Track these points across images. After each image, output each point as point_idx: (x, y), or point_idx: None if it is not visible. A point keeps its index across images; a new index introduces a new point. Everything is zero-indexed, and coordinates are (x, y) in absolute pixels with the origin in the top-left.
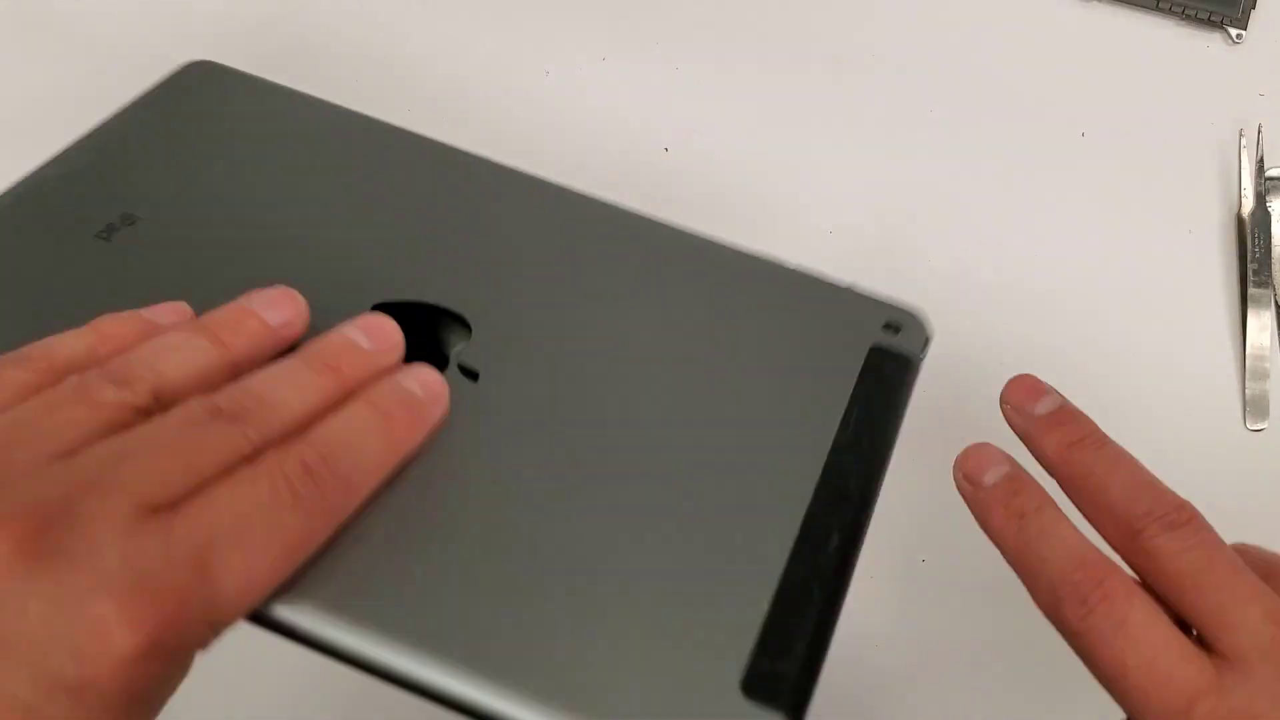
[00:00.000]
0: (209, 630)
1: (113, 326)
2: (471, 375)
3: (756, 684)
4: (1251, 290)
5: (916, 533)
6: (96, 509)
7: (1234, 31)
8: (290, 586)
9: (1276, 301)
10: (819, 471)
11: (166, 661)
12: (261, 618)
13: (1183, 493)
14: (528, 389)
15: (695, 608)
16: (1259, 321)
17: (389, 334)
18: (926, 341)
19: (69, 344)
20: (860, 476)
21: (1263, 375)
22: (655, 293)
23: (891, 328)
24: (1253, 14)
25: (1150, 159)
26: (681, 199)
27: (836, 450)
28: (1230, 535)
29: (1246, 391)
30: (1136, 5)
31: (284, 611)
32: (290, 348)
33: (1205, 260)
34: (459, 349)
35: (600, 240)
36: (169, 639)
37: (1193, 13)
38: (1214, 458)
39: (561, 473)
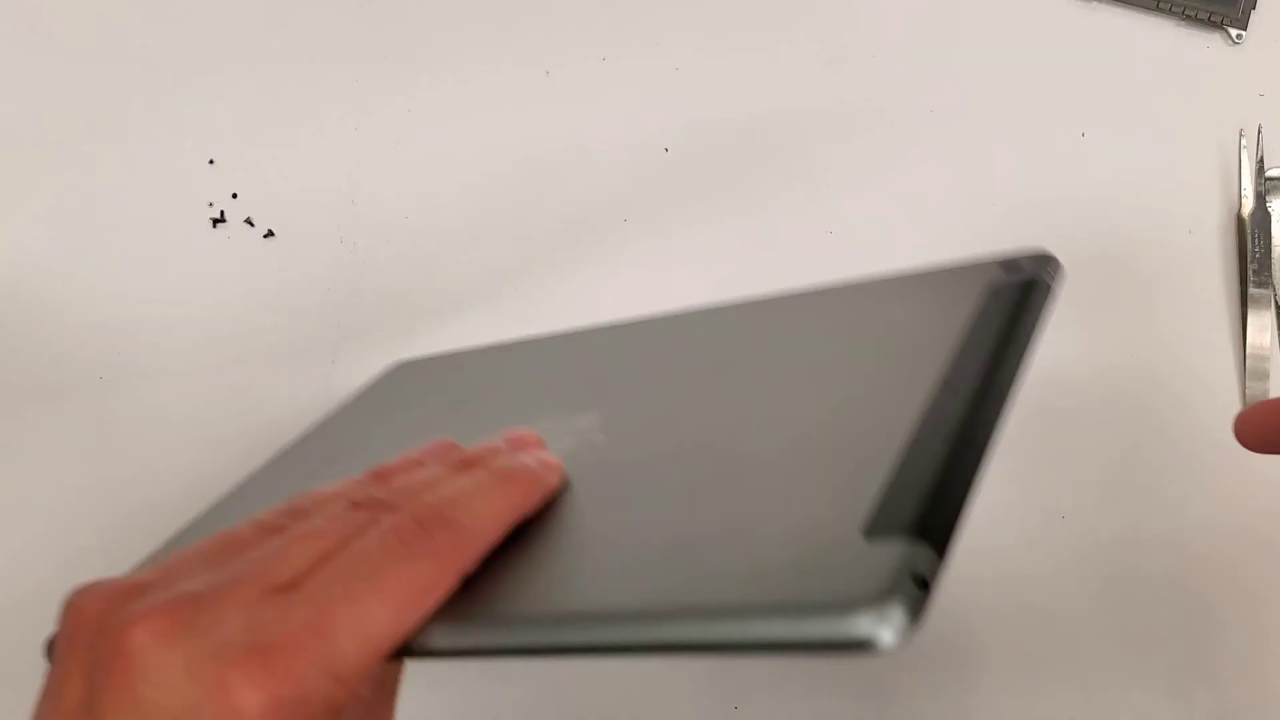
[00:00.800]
0: (335, 684)
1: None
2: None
3: (878, 523)
4: (1251, 290)
5: None
6: (229, 594)
7: (1234, 31)
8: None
9: (1276, 301)
10: (940, 370)
11: (297, 717)
12: (434, 651)
13: (1182, 493)
14: (651, 442)
15: (826, 476)
16: (1259, 321)
17: (524, 437)
18: (1055, 267)
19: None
20: (985, 368)
21: (1263, 375)
22: (766, 352)
23: (1011, 267)
24: (1253, 14)
25: (1150, 159)
26: (682, 199)
27: (958, 354)
28: (1230, 535)
29: (1246, 391)
30: (1136, 5)
31: (454, 637)
32: None
33: (1205, 260)
34: (586, 428)
35: (697, 335)
36: (293, 695)
37: (1193, 13)
38: (1214, 458)
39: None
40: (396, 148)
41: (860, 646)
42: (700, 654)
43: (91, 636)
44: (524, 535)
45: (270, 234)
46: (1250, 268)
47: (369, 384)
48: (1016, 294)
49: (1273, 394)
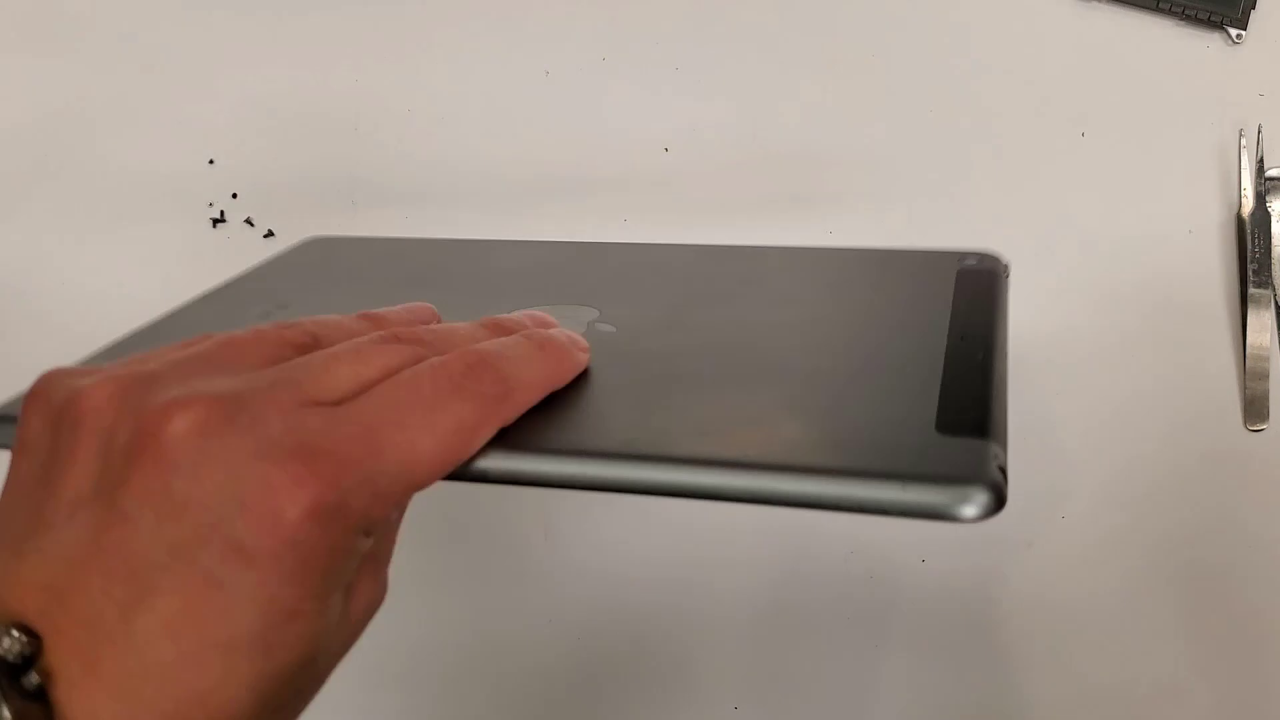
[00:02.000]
0: (375, 502)
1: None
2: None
3: (948, 425)
4: (1251, 290)
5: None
6: (268, 395)
7: (1234, 31)
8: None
9: (1276, 301)
10: (946, 327)
11: (334, 529)
12: (473, 474)
13: (1183, 493)
14: (663, 330)
15: (879, 396)
16: (1259, 321)
17: (543, 317)
18: (1005, 267)
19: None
20: (984, 325)
21: (1263, 375)
22: (755, 283)
23: (969, 259)
24: (1253, 14)
25: (1150, 159)
26: (682, 199)
27: (956, 315)
28: (1230, 535)
29: (1246, 391)
30: (1136, 5)
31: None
32: None
33: (1205, 260)
34: (590, 321)
35: (687, 263)
36: (332, 504)
37: (1193, 13)
38: (1214, 458)
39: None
40: (397, 148)
41: (964, 517)
42: (795, 506)
43: (109, 420)
44: (555, 401)
45: (270, 234)
46: (1250, 268)
47: (280, 255)
48: (986, 278)
49: (1273, 394)
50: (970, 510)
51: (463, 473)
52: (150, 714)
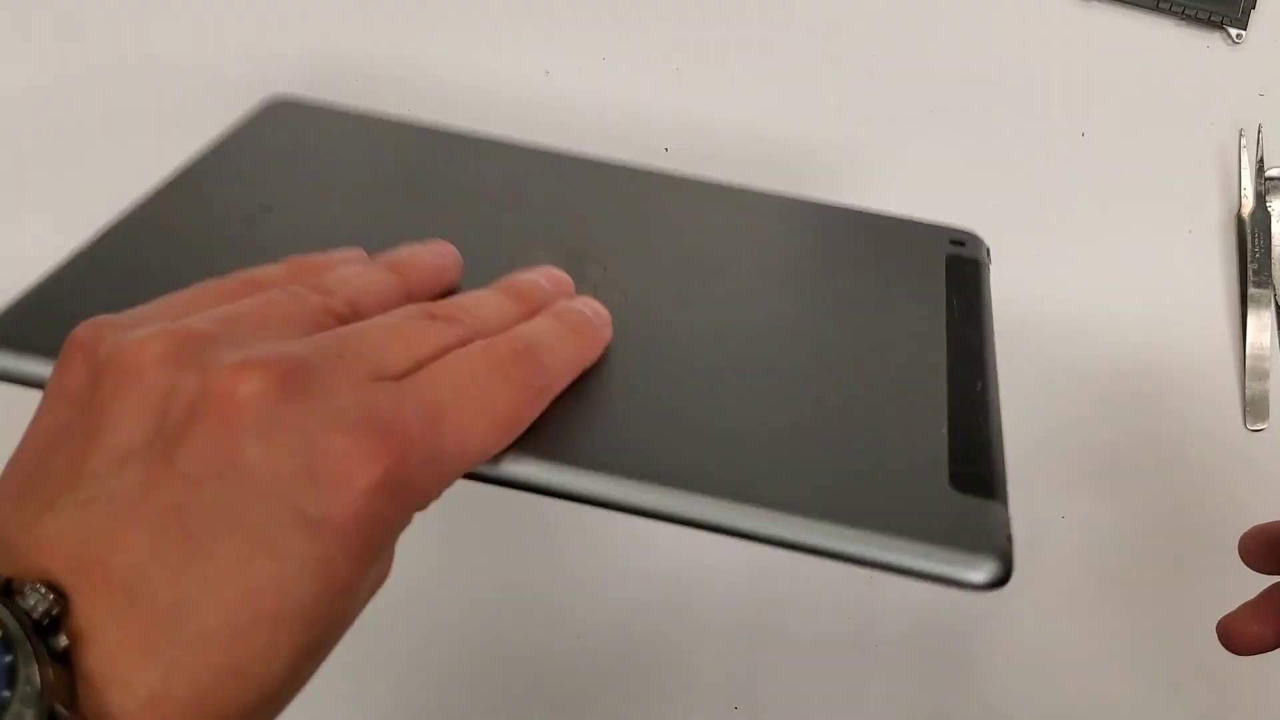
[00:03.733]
0: (434, 480)
1: (303, 259)
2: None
3: (961, 480)
4: (1251, 290)
5: None
6: (336, 365)
7: (1234, 31)
8: (521, 447)
9: (1276, 301)
10: (944, 341)
11: (398, 504)
12: (486, 477)
13: (1184, 493)
14: (670, 306)
15: (895, 440)
16: (1259, 321)
17: (562, 279)
18: (988, 251)
19: (267, 270)
20: (977, 339)
21: (1263, 375)
22: (759, 237)
23: (957, 242)
24: (1253, 14)
25: (1150, 159)
26: None
27: (951, 325)
28: (1230, 535)
29: (1246, 391)
30: (1136, 5)
31: (518, 468)
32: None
33: (1205, 260)
34: (597, 281)
35: (689, 203)
36: (401, 479)
37: (1193, 13)
38: (1214, 458)
39: (734, 348)
40: None
41: (974, 587)
42: (789, 550)
43: (167, 376)
44: (572, 393)
45: None
46: (1250, 268)
47: (242, 127)
48: (972, 270)
49: (1273, 394)
50: (979, 578)
51: (482, 472)
52: (186, 684)
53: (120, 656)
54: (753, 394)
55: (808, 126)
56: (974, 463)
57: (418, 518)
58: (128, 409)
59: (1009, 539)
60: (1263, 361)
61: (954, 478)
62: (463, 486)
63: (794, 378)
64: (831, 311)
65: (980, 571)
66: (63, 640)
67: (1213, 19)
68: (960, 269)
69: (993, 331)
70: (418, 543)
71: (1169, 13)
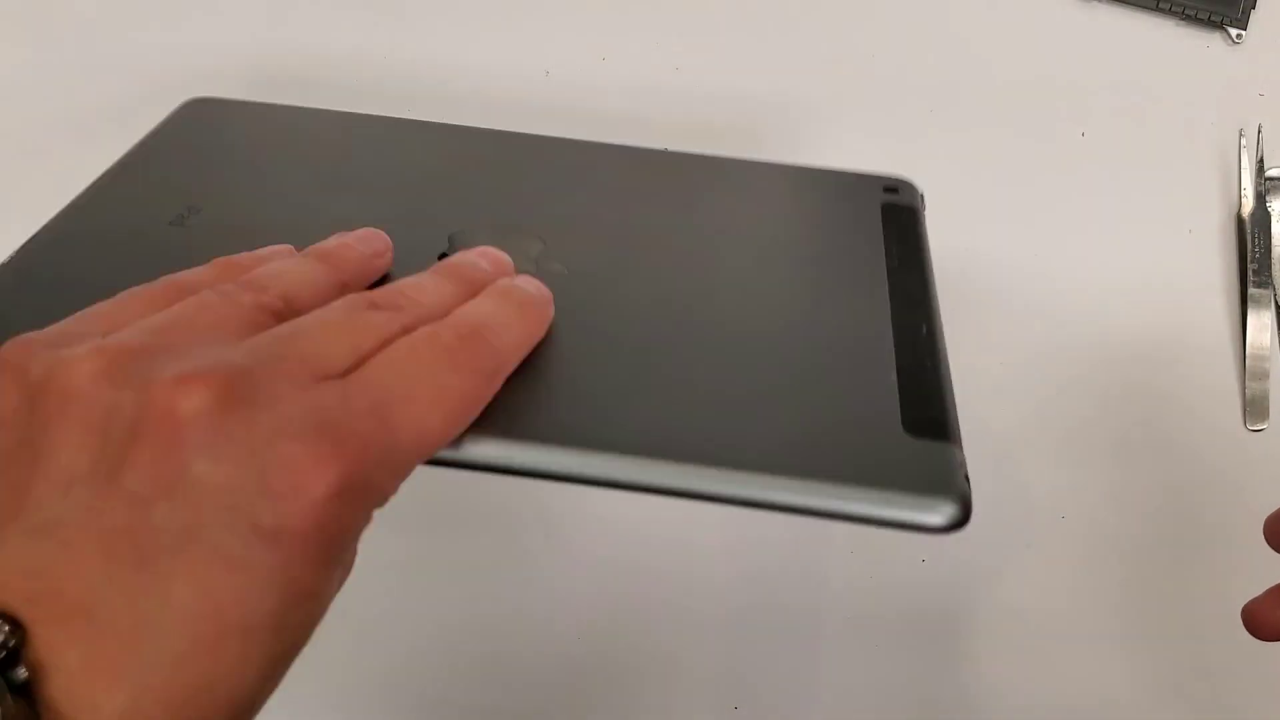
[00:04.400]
0: (390, 477)
1: (230, 259)
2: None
3: (914, 425)
4: (1251, 290)
5: None
6: (277, 371)
7: (1234, 31)
8: (479, 428)
9: (1276, 301)
10: (886, 288)
11: (355, 507)
12: (449, 461)
13: (1183, 493)
14: (612, 275)
15: (846, 391)
16: (1259, 321)
17: (501, 258)
18: (922, 198)
19: (194, 273)
20: (919, 284)
21: (1263, 375)
22: (696, 199)
23: (891, 190)
24: (1253, 14)
25: (1150, 159)
26: None
27: (892, 273)
28: (1230, 535)
29: (1246, 391)
30: (1136, 5)
31: (480, 449)
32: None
33: (1205, 260)
34: (537, 256)
35: (625, 172)
36: (357, 481)
37: (1193, 13)
38: (1214, 458)
39: (685, 315)
40: None
41: (935, 529)
42: (756, 509)
43: (105, 395)
44: (521, 371)
45: None
46: (1250, 268)
47: (163, 129)
48: (908, 216)
49: (1273, 394)
50: (938, 520)
51: (441, 456)
52: (157, 705)
53: (85, 682)
54: (702, 356)
55: (807, 127)
56: (926, 406)
57: (418, 518)
58: (68, 432)
59: (966, 479)
60: (1263, 361)
61: (907, 423)
62: (464, 486)
63: (741, 337)
64: (773, 268)
65: (938, 514)
66: (21, 672)
67: (1213, 19)
68: (896, 216)
69: (933, 275)
70: (417, 545)
71: (1169, 13)
